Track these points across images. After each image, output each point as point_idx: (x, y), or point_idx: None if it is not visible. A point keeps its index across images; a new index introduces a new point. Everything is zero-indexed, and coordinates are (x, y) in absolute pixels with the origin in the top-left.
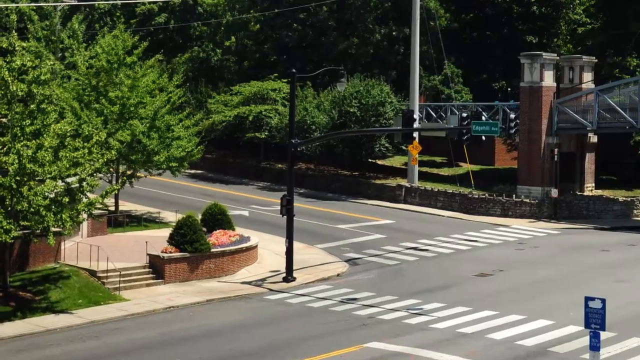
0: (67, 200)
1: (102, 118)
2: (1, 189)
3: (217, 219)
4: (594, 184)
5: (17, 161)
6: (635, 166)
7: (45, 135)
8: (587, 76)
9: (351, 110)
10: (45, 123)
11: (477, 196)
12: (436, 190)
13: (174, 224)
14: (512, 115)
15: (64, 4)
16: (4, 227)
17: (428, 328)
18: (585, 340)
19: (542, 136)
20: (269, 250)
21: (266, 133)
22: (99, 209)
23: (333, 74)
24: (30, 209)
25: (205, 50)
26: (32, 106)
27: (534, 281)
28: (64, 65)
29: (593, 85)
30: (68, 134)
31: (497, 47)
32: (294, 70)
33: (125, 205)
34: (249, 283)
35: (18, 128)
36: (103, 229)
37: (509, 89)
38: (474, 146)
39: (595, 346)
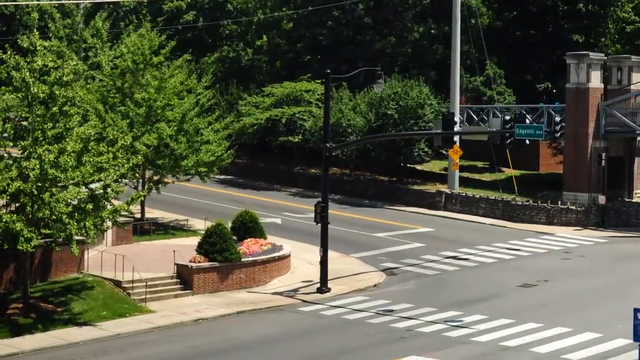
0: (90, 207)
1: (128, 121)
2: (22, 195)
3: (248, 226)
4: None
5: (38, 166)
6: None
7: (67, 139)
8: (636, 77)
9: (389, 112)
10: (67, 126)
11: (520, 203)
12: (478, 196)
13: (203, 232)
14: (558, 118)
15: (87, 1)
16: (25, 236)
17: (469, 341)
18: (634, 354)
19: (589, 140)
20: (303, 260)
21: (299, 137)
22: (124, 216)
23: (369, 74)
24: (52, 217)
25: (236, 50)
26: (54, 109)
27: (580, 292)
28: (87, 65)
29: None
30: (92, 138)
31: (541, 46)
32: (328, 71)
33: (151, 213)
34: (282, 294)
35: (39, 131)
36: (128, 237)
37: (554, 91)
38: (517, 150)
39: None
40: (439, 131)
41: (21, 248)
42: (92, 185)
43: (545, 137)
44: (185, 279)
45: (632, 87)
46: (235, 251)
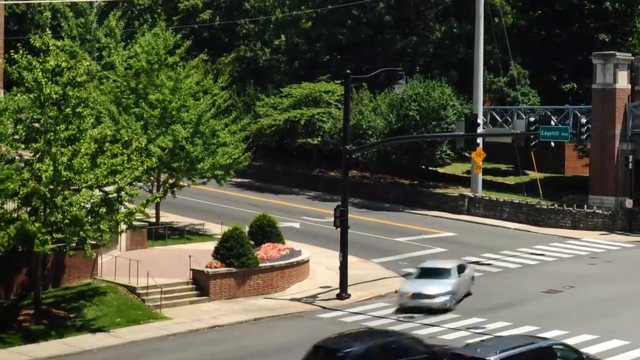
0: (104, 210)
1: (142, 123)
2: (34, 198)
3: (265, 231)
4: None
5: (51, 168)
6: None
7: (81, 141)
8: None
9: (410, 113)
10: (81, 128)
11: (545, 207)
12: (501, 200)
13: (219, 236)
14: (583, 120)
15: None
16: (41, 239)
17: None
18: None
19: (616, 142)
20: (322, 265)
21: (318, 139)
22: (139, 219)
23: (390, 74)
24: (64, 220)
25: (253, 50)
26: (67, 110)
27: (607, 298)
28: (100, 65)
29: None
30: (106, 140)
31: (567, 46)
32: (348, 71)
33: (166, 217)
34: (300, 300)
35: (52, 133)
36: (143, 242)
37: (579, 92)
38: (542, 153)
39: None
40: (461, 133)
41: (37, 251)
42: (106, 188)
43: (571, 139)
44: (201, 284)
45: None
46: (252, 256)
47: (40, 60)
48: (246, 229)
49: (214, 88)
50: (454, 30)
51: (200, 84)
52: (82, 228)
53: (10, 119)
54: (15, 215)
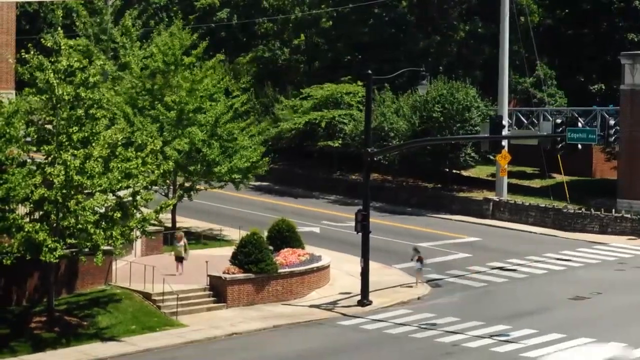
0: (118, 215)
1: (158, 125)
2: (46, 203)
3: (284, 236)
4: None
5: (63, 172)
6: None
7: (94, 144)
8: None
9: (434, 115)
10: (94, 130)
11: (572, 211)
12: (527, 204)
13: (237, 241)
14: (612, 122)
15: None
16: (49, 246)
17: (519, 357)
18: None
19: None
20: (342, 271)
21: (339, 141)
22: (154, 225)
23: (413, 75)
24: (77, 226)
25: (272, 50)
26: (79, 111)
27: (635, 305)
28: (115, 66)
29: None
30: (120, 143)
31: (594, 46)
32: (370, 72)
33: (183, 222)
34: (320, 307)
35: (64, 136)
36: (158, 247)
37: (607, 92)
38: (569, 155)
39: None
40: (486, 135)
41: (44, 259)
42: (120, 193)
43: (599, 141)
44: (218, 291)
45: None
46: (271, 262)
47: (52, 60)
48: (265, 234)
49: (233, 89)
50: (479, 29)
51: (217, 85)
52: (92, 235)
53: (22, 121)
54: (23, 222)
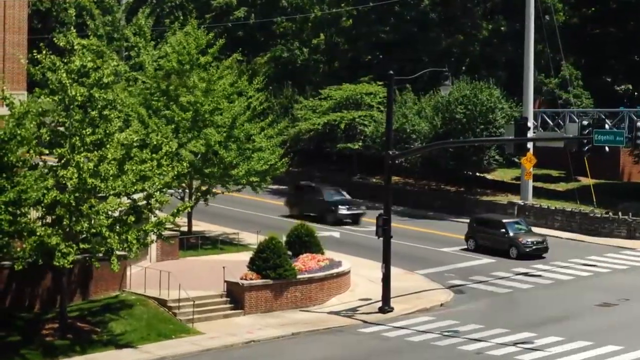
0: (133, 219)
1: (173, 126)
2: (59, 207)
3: (303, 241)
4: None
5: (76, 175)
6: None
7: (108, 146)
8: None
9: (457, 117)
10: (108, 132)
11: (599, 215)
12: (553, 208)
13: (255, 246)
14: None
15: None
16: (62, 251)
17: None
18: None
19: None
20: (363, 277)
21: (360, 143)
22: (170, 229)
23: (435, 75)
24: (90, 230)
25: (290, 49)
26: (93, 113)
27: None
28: (129, 66)
29: None
30: (134, 145)
31: (622, 45)
32: (391, 72)
33: (199, 226)
34: (340, 314)
35: (77, 137)
36: (174, 252)
37: (635, 93)
38: (595, 158)
39: None
40: (511, 137)
41: (58, 264)
42: (135, 196)
43: (626, 143)
44: (235, 297)
45: None
46: (290, 267)
47: (65, 61)
48: (283, 239)
49: (249, 90)
50: (502, 28)
51: (234, 85)
52: (106, 239)
53: (34, 122)
54: (35, 226)
